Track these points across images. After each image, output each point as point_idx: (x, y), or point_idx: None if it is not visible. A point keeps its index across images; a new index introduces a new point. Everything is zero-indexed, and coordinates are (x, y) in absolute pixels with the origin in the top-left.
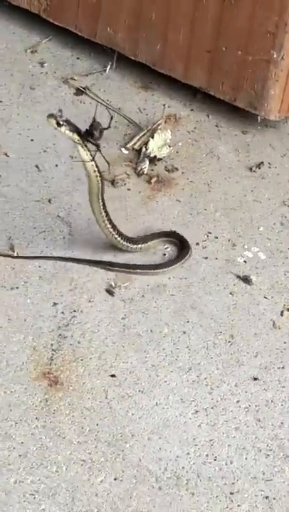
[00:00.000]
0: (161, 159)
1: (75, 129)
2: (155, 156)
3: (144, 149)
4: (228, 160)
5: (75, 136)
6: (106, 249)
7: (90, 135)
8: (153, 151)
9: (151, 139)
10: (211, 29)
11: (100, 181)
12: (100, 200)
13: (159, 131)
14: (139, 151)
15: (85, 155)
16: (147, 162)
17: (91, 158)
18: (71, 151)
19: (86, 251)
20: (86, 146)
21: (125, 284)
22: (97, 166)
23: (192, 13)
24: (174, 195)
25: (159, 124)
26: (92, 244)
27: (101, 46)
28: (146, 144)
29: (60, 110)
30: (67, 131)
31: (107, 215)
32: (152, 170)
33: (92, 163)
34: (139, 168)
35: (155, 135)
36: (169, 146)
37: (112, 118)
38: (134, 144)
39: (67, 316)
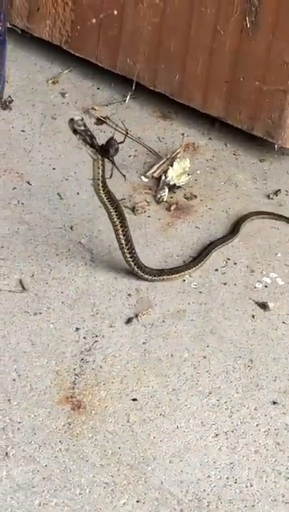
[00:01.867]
0: (180, 187)
1: (90, 142)
2: (174, 184)
3: (163, 177)
4: (246, 187)
5: (88, 148)
6: (127, 275)
7: (104, 150)
8: (172, 179)
9: (170, 167)
10: (229, 60)
11: (104, 195)
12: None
13: (178, 159)
14: (158, 179)
15: (96, 169)
16: (167, 190)
17: (100, 174)
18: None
19: (108, 277)
20: (100, 160)
21: (146, 310)
22: (103, 183)
23: (210, 44)
24: (192, 222)
25: (178, 153)
26: (114, 269)
27: (121, 76)
28: (165, 172)
29: (82, 119)
30: (81, 141)
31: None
32: (172, 197)
33: (99, 182)
34: (158, 196)
35: (174, 163)
36: (188, 174)
37: (127, 133)
38: (154, 172)
39: (89, 341)
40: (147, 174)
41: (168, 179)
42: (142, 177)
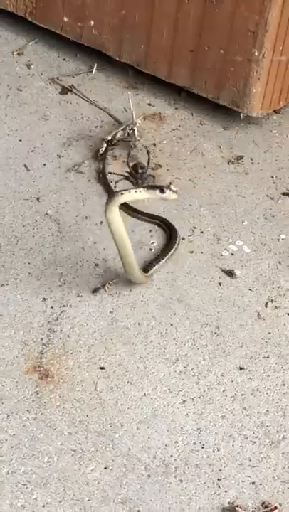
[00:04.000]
0: (117, 144)
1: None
2: (112, 140)
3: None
4: (212, 156)
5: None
6: (94, 245)
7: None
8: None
9: (121, 131)
10: (194, 29)
11: None
12: None
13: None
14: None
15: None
16: (104, 146)
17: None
18: (58, 151)
19: (75, 247)
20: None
21: (114, 279)
22: None
23: (174, 13)
24: None
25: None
26: (81, 240)
27: (87, 47)
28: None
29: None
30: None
31: None
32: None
33: None
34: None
35: (126, 127)
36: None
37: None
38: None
39: (56, 310)
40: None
41: (106, 136)
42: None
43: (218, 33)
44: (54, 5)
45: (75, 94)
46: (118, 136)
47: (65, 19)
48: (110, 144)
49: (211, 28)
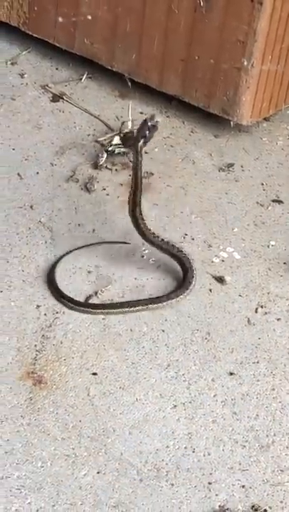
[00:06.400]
0: (119, 153)
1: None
2: (114, 150)
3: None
4: (203, 164)
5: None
6: (87, 252)
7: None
8: (116, 147)
9: (116, 136)
10: (184, 39)
11: None
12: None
13: (126, 129)
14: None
15: None
16: (105, 155)
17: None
18: (51, 159)
19: (67, 255)
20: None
21: (106, 286)
22: None
23: (165, 23)
24: (151, 199)
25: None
26: (74, 247)
27: (79, 57)
28: (111, 140)
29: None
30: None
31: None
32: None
33: None
34: (97, 161)
35: (122, 133)
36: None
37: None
38: (103, 139)
39: (49, 317)
40: (98, 139)
41: (108, 146)
42: (99, 154)
43: (208, 42)
44: (47, 15)
45: (68, 102)
46: (114, 143)
47: (58, 29)
48: (109, 152)
49: (200, 37)
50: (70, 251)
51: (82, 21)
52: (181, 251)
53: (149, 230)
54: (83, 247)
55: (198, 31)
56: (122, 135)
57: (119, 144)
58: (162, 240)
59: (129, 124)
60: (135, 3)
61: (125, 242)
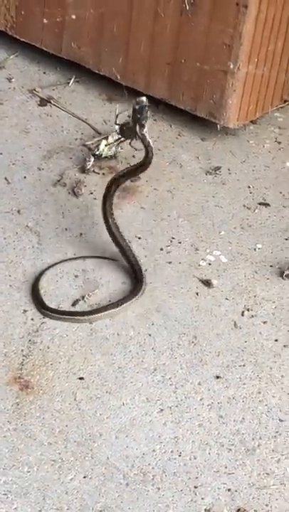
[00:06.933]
0: (106, 157)
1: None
2: (101, 155)
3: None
4: (191, 167)
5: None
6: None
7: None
8: (103, 151)
9: (104, 140)
10: (170, 42)
11: None
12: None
13: (113, 133)
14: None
15: None
16: (92, 159)
17: None
18: (39, 163)
19: (55, 259)
20: None
21: (93, 291)
22: None
23: (151, 27)
24: (138, 203)
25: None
26: (60, 252)
27: (67, 61)
28: (98, 145)
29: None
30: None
31: None
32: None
33: None
34: (85, 166)
35: (109, 137)
36: (121, 148)
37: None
38: (91, 143)
39: (36, 322)
40: (86, 143)
41: (95, 150)
42: (87, 158)
43: (194, 46)
44: (34, 19)
45: (56, 106)
46: (101, 147)
47: (45, 33)
48: (96, 156)
49: (187, 41)
50: (53, 265)
51: (69, 25)
52: (137, 260)
53: (117, 226)
54: (68, 260)
55: (184, 35)
56: (118, 130)
57: (113, 143)
58: (124, 240)
59: (116, 127)
60: (122, 7)
61: (114, 259)
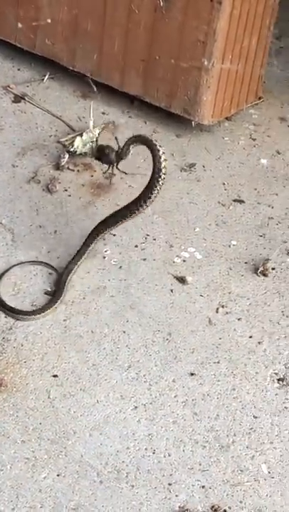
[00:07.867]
0: (81, 154)
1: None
2: (75, 151)
3: (68, 145)
4: None
5: None
6: (48, 254)
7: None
8: (77, 147)
9: (78, 137)
10: (144, 39)
11: None
12: None
13: (87, 130)
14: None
15: None
16: (66, 156)
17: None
18: (13, 160)
19: (29, 256)
20: None
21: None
22: None
23: (126, 23)
24: (112, 200)
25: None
26: (35, 249)
27: (42, 57)
28: (72, 142)
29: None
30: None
31: None
32: (92, 176)
33: None
34: (59, 162)
35: (83, 133)
36: (97, 144)
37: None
38: (65, 140)
39: (10, 320)
40: (60, 140)
41: (70, 147)
42: (61, 155)
43: (169, 42)
44: (7, 15)
45: (30, 103)
46: (76, 144)
47: (19, 29)
48: (70, 153)
49: (161, 37)
50: (8, 269)
51: (43, 21)
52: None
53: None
54: (21, 263)
55: (158, 31)
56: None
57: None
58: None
59: (91, 124)
60: (96, 3)
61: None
